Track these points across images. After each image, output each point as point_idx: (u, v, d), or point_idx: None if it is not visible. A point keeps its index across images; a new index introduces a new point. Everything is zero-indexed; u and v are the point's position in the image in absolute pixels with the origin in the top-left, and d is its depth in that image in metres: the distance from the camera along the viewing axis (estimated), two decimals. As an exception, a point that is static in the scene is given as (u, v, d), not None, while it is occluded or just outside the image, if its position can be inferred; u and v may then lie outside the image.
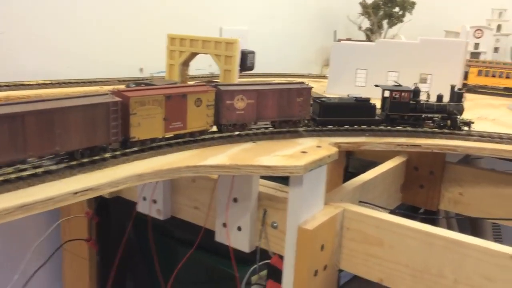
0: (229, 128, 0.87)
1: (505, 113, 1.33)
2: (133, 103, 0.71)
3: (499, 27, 2.26)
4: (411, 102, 0.99)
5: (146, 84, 0.94)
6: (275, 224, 0.92)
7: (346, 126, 0.96)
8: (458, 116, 0.98)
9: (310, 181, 0.82)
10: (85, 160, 0.66)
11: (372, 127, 0.97)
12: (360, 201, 1.05)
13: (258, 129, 0.89)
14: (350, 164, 1.72)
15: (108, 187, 0.62)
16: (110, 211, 1.26)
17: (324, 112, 0.97)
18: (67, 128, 0.63)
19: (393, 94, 0.98)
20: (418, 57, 1.35)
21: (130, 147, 0.73)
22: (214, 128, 0.86)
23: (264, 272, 0.99)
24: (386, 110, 1.00)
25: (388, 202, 1.20)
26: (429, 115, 1.00)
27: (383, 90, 1.01)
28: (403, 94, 0.98)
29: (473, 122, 1.00)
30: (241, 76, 1.74)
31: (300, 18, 2.20)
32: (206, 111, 0.82)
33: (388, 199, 1.19)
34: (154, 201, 1.08)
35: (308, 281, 0.82)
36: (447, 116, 0.99)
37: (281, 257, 0.89)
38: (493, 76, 1.62)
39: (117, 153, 0.71)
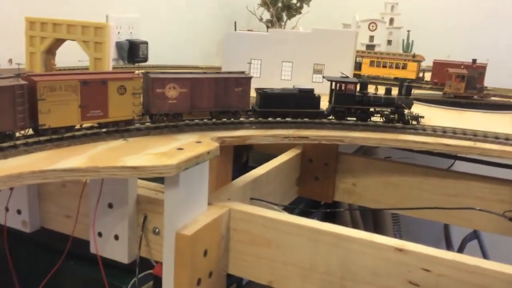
0: (160, 118, 0.82)
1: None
2: (41, 87, 0.67)
3: (391, 21, 2.35)
4: (357, 94, 0.95)
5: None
6: (157, 230, 0.82)
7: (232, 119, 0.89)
8: (406, 110, 0.95)
9: (188, 181, 0.73)
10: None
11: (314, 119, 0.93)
12: (252, 198, 0.99)
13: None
14: (251, 158, 1.68)
15: None
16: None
17: (264, 103, 0.92)
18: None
19: (338, 86, 0.94)
20: (311, 47, 1.33)
21: (41, 135, 0.69)
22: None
23: (150, 284, 0.90)
24: (332, 103, 0.95)
25: (283, 197, 1.16)
26: (377, 109, 0.96)
27: (330, 82, 0.96)
28: (348, 86, 0.94)
29: (422, 117, 0.96)
30: (133, 68, 1.63)
31: (198, 8, 2.11)
32: (132, 99, 0.78)
33: (283, 194, 1.15)
34: (19, 212, 0.94)
35: (190, 291, 0.74)
36: (395, 109, 0.95)
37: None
38: (384, 66, 1.66)
39: (19, 142, 0.66)
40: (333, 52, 1.32)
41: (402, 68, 1.64)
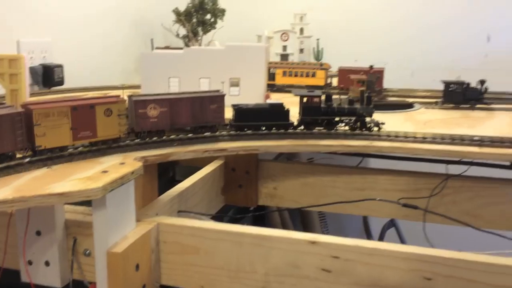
0: (144, 135, 0.94)
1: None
2: (36, 114, 0.78)
3: (301, 30, 2.50)
4: (323, 106, 1.04)
5: None
6: (87, 252, 0.85)
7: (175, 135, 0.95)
8: (368, 118, 1.04)
9: (115, 201, 0.78)
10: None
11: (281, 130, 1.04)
12: (180, 211, 1.05)
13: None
14: (177, 172, 1.73)
15: None
16: None
17: (238, 117, 1.02)
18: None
19: (305, 99, 1.03)
20: (225, 62, 1.41)
21: (38, 155, 0.80)
22: None
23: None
24: (301, 115, 1.04)
25: (210, 207, 1.22)
26: (342, 118, 1.05)
27: (299, 96, 1.05)
28: (313, 99, 1.03)
29: (383, 123, 1.05)
30: (48, 93, 1.61)
31: (114, 27, 2.12)
32: (118, 120, 0.88)
33: (210, 204, 1.21)
34: None
35: (125, 305, 0.78)
36: (357, 118, 1.05)
37: (99, 285, 0.83)
38: (296, 75, 1.78)
39: (12, 163, 0.76)
40: (247, 65, 1.41)
41: (312, 76, 1.77)
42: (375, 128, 1.05)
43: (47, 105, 0.80)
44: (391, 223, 2.33)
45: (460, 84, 1.41)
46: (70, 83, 1.70)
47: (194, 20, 2.18)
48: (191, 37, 2.21)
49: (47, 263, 0.85)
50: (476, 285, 0.74)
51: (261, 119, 1.03)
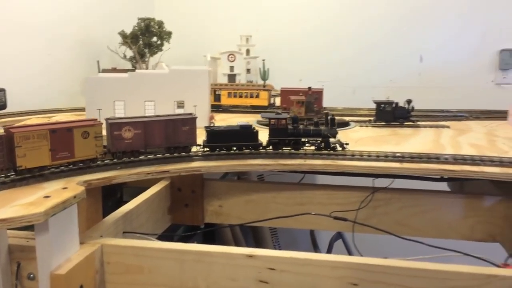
0: (119, 155, 1.00)
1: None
2: (17, 137, 0.84)
3: (248, 51, 2.59)
4: (289, 128, 1.10)
5: None
6: (31, 276, 0.87)
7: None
8: (332, 139, 1.11)
9: (57, 225, 0.80)
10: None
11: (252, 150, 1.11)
12: (125, 232, 1.07)
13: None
14: (125, 193, 1.74)
15: None
16: None
17: (211, 138, 1.09)
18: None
19: (271, 122, 1.10)
20: (170, 86, 1.46)
21: (18, 175, 0.86)
22: None
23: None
24: (269, 136, 1.11)
25: (157, 227, 1.25)
26: (308, 139, 1.12)
27: (268, 119, 1.12)
28: (280, 121, 1.10)
29: (347, 144, 1.12)
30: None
31: (58, 50, 2.11)
32: (94, 141, 0.95)
33: (156, 224, 1.25)
34: None
35: (69, 326, 0.80)
36: (322, 139, 1.11)
37: (43, 309, 0.85)
38: (241, 96, 1.86)
39: None
40: (191, 88, 1.47)
41: (256, 97, 1.85)
42: (339, 148, 1.12)
43: (27, 128, 0.88)
44: (339, 235, 2.42)
45: (389, 103, 1.54)
46: (14, 107, 1.68)
47: (141, 42, 2.21)
48: (138, 59, 2.23)
49: (-11, 289, 0.86)
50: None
51: (231, 140, 1.10)
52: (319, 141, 1.12)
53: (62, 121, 0.97)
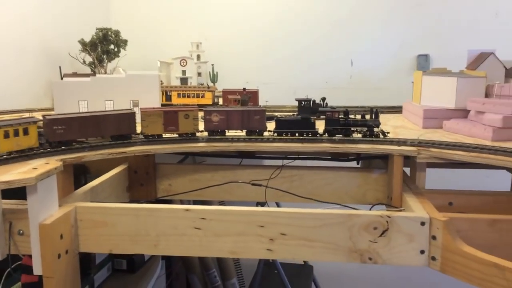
0: (210, 133, 1.45)
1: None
2: (143, 114, 1.43)
3: (198, 57, 2.89)
4: (341, 118, 1.41)
5: None
6: (21, 232, 1.15)
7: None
8: (375, 128, 1.40)
9: (43, 188, 1.10)
10: None
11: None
12: (92, 201, 1.37)
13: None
14: (89, 180, 2.01)
15: None
16: None
17: (278, 126, 1.45)
18: None
19: (327, 114, 1.41)
20: (127, 88, 1.75)
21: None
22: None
23: (19, 284, 1.23)
24: (325, 125, 1.42)
25: (118, 202, 1.55)
26: (356, 128, 1.41)
27: (325, 112, 1.44)
28: (334, 114, 1.41)
29: (388, 132, 1.43)
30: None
31: (22, 57, 2.33)
32: (193, 122, 1.45)
33: (117, 199, 1.54)
34: None
35: (53, 263, 1.09)
36: (367, 128, 1.40)
37: (30, 256, 1.13)
38: (189, 96, 2.17)
39: None
40: (144, 90, 1.77)
41: (202, 97, 2.17)
42: (381, 135, 1.41)
43: (151, 109, 1.42)
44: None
45: (308, 100, 1.89)
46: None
47: (99, 49, 2.48)
48: (96, 65, 2.50)
49: (-12, 242, 1.13)
50: (291, 227, 1.16)
51: (295, 127, 1.42)
52: (365, 130, 1.41)
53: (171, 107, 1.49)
